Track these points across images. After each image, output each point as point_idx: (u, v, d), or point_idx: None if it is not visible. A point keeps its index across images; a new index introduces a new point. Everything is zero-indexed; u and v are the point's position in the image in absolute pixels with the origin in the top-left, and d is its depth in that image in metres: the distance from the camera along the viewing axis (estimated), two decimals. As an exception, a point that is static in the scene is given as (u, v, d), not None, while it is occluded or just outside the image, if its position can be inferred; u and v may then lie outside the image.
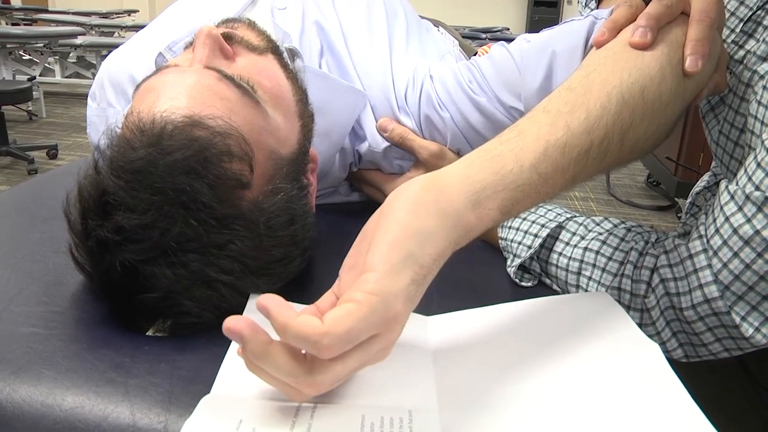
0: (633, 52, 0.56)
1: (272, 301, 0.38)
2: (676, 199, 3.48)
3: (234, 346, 0.50)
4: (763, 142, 0.57)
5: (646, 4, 0.61)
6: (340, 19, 0.89)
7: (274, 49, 0.71)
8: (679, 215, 3.42)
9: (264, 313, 0.38)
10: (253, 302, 0.56)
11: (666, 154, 3.11)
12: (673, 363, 0.49)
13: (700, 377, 0.63)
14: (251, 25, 0.73)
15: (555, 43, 0.74)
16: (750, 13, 0.65)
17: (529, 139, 0.50)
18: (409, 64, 0.86)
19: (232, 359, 0.48)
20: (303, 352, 0.41)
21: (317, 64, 0.85)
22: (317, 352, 0.38)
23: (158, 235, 0.51)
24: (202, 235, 0.52)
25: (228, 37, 0.66)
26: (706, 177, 0.83)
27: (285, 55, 0.74)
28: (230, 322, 0.39)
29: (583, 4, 0.92)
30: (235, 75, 0.61)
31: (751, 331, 0.57)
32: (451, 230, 0.45)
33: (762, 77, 0.61)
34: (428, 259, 0.43)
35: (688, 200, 0.84)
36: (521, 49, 0.78)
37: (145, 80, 0.61)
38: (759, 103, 0.59)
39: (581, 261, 0.67)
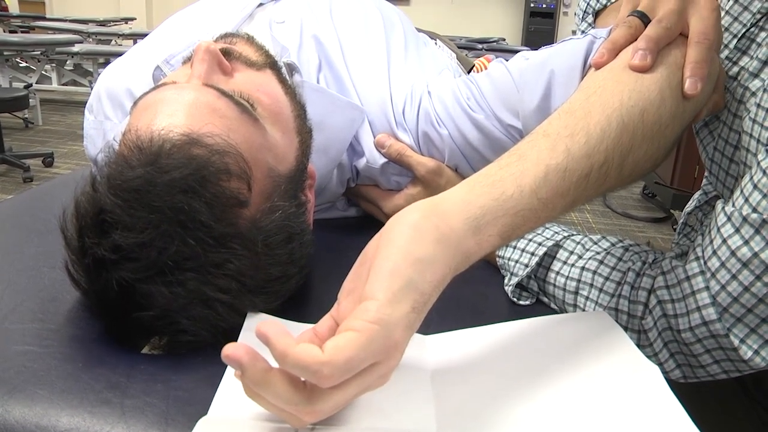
0: (632, 75, 0.56)
1: (272, 328, 0.38)
2: (672, 210, 3.49)
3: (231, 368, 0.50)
4: (759, 162, 0.57)
5: (644, 24, 0.61)
6: (338, 34, 0.89)
7: (272, 64, 0.71)
8: (675, 227, 3.42)
9: (263, 341, 0.38)
10: (251, 321, 0.56)
11: (662, 169, 3.12)
12: (672, 383, 0.48)
13: (699, 398, 0.63)
14: (249, 40, 0.73)
15: (553, 62, 0.74)
16: (744, 30, 0.66)
17: (530, 163, 0.50)
18: (407, 79, 0.86)
19: (230, 380, 0.48)
20: (302, 379, 0.40)
21: (315, 79, 0.85)
22: (317, 381, 0.38)
23: (155, 254, 0.51)
24: (200, 254, 0.52)
25: (226, 53, 0.65)
26: (696, 196, 0.83)
27: (283, 70, 0.73)
28: (229, 350, 0.38)
29: (580, 17, 0.92)
30: (234, 91, 0.61)
31: (750, 353, 0.57)
32: (451, 257, 0.45)
33: (754, 94, 0.61)
34: (428, 287, 0.43)
35: (681, 220, 0.84)
36: (520, 68, 0.78)
37: (143, 96, 0.61)
38: (753, 120, 0.59)
39: (578, 281, 0.67)
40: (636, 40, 0.60)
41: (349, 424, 0.44)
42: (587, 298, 0.66)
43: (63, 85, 6.26)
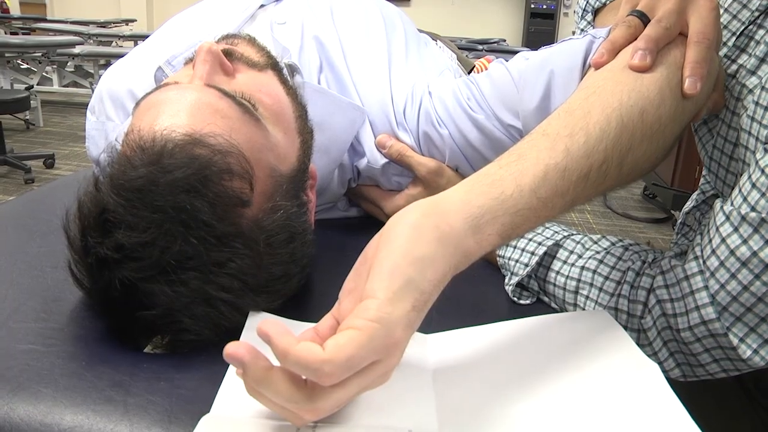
0: (632, 74, 0.57)
1: (273, 327, 0.38)
2: (672, 211, 3.49)
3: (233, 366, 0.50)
4: (757, 161, 0.57)
5: (643, 23, 0.61)
6: (339, 34, 0.89)
7: (273, 65, 0.71)
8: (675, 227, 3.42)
9: (265, 340, 0.38)
10: (253, 320, 0.56)
11: (662, 170, 3.12)
12: (671, 382, 0.49)
13: (699, 397, 0.63)
14: (251, 40, 0.73)
15: (553, 62, 0.74)
16: (742, 28, 0.66)
17: (529, 163, 0.50)
18: (408, 79, 0.86)
19: (232, 378, 0.48)
20: (303, 378, 0.41)
21: (316, 80, 0.85)
22: (318, 379, 0.38)
23: (158, 253, 0.51)
24: (202, 253, 0.52)
25: (228, 54, 0.66)
26: (694, 196, 0.83)
27: (284, 71, 0.74)
28: (231, 348, 0.39)
29: (579, 15, 0.92)
30: (236, 92, 0.61)
31: (749, 352, 0.57)
32: (451, 256, 0.45)
33: (751, 91, 0.61)
34: (428, 286, 0.43)
35: (679, 220, 0.85)
36: (519, 68, 0.78)
37: (145, 96, 0.61)
38: (751, 118, 0.59)
39: (578, 280, 0.67)
40: (635, 39, 0.60)
41: (351, 421, 0.45)
42: (587, 297, 0.67)
43: (64, 86, 6.26)
